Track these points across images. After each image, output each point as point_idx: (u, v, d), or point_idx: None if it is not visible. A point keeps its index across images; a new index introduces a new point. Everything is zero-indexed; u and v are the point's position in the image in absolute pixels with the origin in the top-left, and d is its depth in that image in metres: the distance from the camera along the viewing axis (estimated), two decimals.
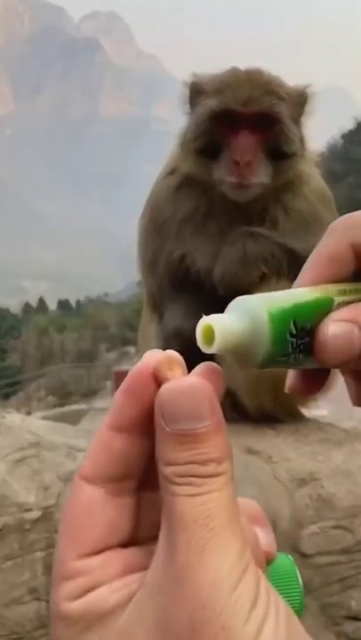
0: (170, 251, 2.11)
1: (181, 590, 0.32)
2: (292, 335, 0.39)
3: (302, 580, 0.41)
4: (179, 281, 2.10)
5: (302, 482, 1.82)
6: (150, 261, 2.19)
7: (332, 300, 0.41)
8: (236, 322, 0.39)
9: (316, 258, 0.44)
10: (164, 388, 0.35)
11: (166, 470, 0.34)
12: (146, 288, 2.31)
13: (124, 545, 0.37)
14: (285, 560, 0.42)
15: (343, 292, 0.42)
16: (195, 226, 2.08)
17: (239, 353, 0.39)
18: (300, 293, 0.41)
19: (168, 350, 0.38)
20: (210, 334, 0.38)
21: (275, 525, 1.73)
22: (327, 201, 2.14)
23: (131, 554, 0.37)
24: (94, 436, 0.38)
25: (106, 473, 0.37)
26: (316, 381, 0.45)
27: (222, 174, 1.91)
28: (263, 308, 0.39)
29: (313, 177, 2.10)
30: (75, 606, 0.35)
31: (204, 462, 0.34)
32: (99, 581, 0.35)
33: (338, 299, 0.41)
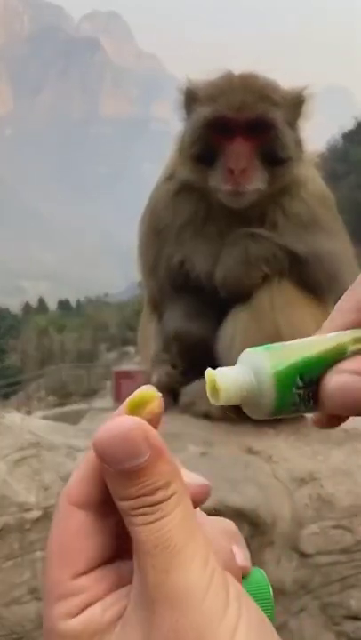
0: (170, 255, 2.11)
1: (157, 608, 0.35)
2: (298, 388, 0.39)
3: (275, 591, 0.42)
4: (180, 284, 2.11)
5: (302, 482, 1.82)
6: (151, 266, 2.19)
7: (344, 350, 0.40)
8: (242, 377, 0.39)
9: (350, 304, 0.41)
10: (98, 433, 0.37)
11: (121, 505, 0.37)
12: (147, 291, 2.31)
13: (113, 559, 0.40)
14: (258, 574, 0.43)
15: (359, 340, 0.40)
16: (194, 229, 2.08)
17: (246, 405, 0.40)
18: (311, 344, 0.41)
19: (138, 391, 0.39)
20: (216, 387, 0.39)
21: (275, 525, 1.73)
22: (327, 203, 2.13)
23: (119, 567, 0.39)
24: (82, 461, 0.40)
25: (93, 497, 0.39)
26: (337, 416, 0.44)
27: (217, 182, 1.91)
28: (268, 364, 0.39)
29: (311, 179, 2.10)
30: (72, 624, 0.37)
31: (152, 492, 0.36)
32: (93, 598, 0.38)
33: (352, 347, 0.40)
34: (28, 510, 1.64)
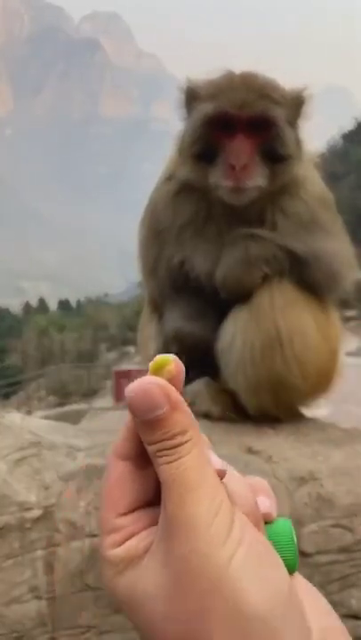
0: (170, 256, 2.11)
1: (172, 534, 0.44)
2: None
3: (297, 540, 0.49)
4: (180, 285, 2.11)
5: (302, 481, 1.82)
6: (151, 267, 2.19)
7: None
8: None
9: None
10: (127, 390, 0.46)
11: (148, 449, 0.46)
12: (147, 291, 2.31)
13: (151, 503, 0.48)
14: (285, 523, 0.50)
15: None
16: (194, 229, 2.08)
17: None
18: None
19: (158, 356, 0.48)
20: None
21: None
22: (327, 204, 2.13)
23: (154, 510, 0.48)
24: (125, 421, 0.48)
25: (133, 449, 0.48)
26: None
27: (218, 178, 1.91)
28: None
29: (310, 180, 2.10)
30: (116, 552, 0.47)
31: (171, 437, 0.45)
32: (132, 533, 0.47)
33: None
34: (29, 509, 1.64)
